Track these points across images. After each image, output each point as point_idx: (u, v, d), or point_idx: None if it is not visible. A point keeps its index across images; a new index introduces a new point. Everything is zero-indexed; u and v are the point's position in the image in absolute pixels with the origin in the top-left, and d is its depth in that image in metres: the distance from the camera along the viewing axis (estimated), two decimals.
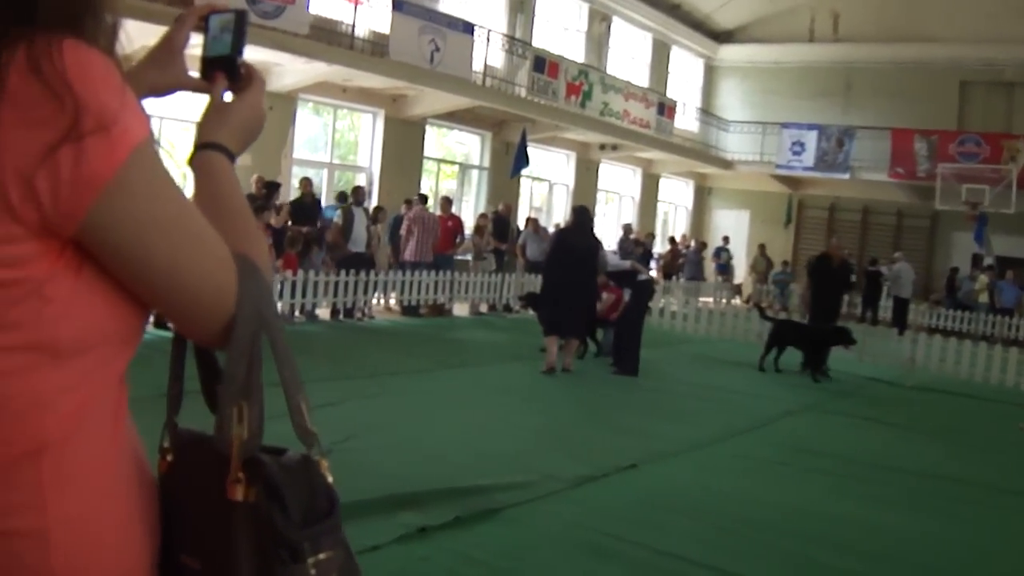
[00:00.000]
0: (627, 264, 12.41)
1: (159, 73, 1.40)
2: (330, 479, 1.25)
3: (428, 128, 19.70)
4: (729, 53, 30.67)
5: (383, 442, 6.90)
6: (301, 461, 1.23)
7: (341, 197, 15.20)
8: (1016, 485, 8.13)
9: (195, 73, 1.40)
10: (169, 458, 1.30)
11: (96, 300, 1.11)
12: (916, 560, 5.77)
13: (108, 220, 1.06)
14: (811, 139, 27.17)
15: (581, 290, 11.00)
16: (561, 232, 12.87)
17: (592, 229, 11.64)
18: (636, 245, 22.11)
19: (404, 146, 18.79)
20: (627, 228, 23.47)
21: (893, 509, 6.87)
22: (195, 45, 1.41)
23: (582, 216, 11.57)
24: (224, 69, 1.39)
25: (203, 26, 1.40)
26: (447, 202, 17.02)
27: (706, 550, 5.36)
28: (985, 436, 10.65)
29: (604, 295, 12.18)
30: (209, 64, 1.40)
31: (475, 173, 21.98)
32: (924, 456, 9.03)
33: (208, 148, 1.32)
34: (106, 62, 1.08)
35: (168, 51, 1.41)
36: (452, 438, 7.41)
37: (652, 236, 26.15)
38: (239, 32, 1.39)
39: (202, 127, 1.35)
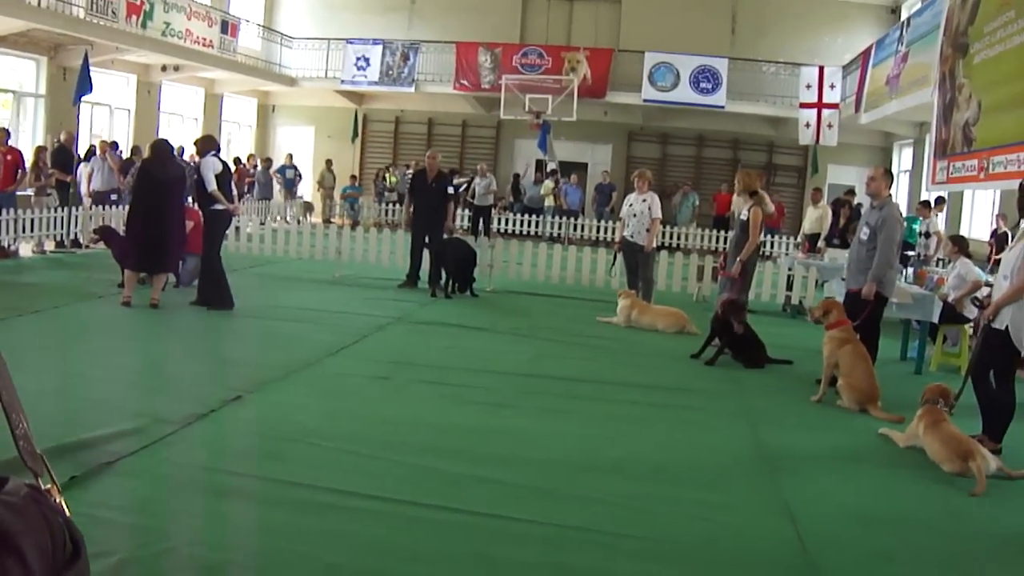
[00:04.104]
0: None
1: None
2: (68, 511, 1.06)
3: None
4: None
5: None
6: (30, 495, 1.01)
7: None
8: (599, 374, 8.87)
9: None
10: None
11: None
12: (530, 456, 6.06)
13: None
14: (376, 54, 27.70)
15: (171, 223, 11.00)
16: (144, 164, 12.51)
17: (173, 158, 11.70)
18: None
19: None
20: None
21: (496, 411, 7.25)
22: None
23: (162, 147, 11.47)
24: None
25: None
26: (4, 133, 15.71)
27: (329, 474, 5.42)
28: (569, 331, 11.36)
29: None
30: None
31: (31, 101, 20.38)
32: (516, 356, 9.49)
33: None
34: None
35: None
36: (46, 392, 6.72)
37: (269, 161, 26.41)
38: None
39: None
